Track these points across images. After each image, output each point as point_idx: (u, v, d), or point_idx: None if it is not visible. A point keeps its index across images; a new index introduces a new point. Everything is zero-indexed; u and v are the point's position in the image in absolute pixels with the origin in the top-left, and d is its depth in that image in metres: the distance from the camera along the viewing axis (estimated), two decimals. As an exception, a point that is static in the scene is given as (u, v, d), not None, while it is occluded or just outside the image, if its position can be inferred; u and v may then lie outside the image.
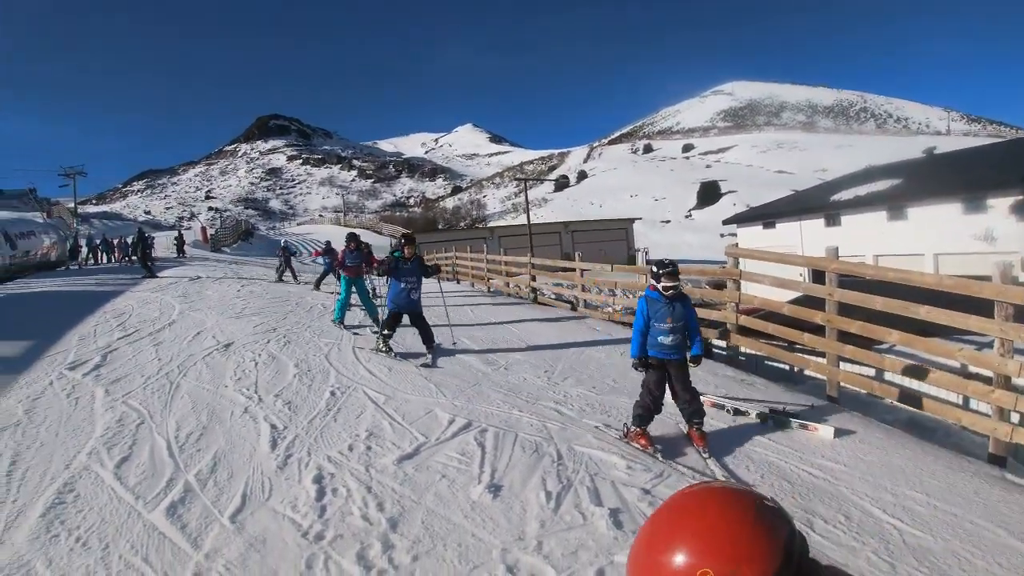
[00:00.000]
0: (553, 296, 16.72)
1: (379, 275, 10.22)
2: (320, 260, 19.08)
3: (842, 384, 7.47)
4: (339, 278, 12.46)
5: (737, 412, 6.30)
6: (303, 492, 4.50)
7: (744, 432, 5.81)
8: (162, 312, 12.55)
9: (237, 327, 10.81)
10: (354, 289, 11.95)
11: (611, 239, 53.06)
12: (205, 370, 7.96)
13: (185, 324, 11.16)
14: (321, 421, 6.03)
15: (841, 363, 7.43)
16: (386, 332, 9.09)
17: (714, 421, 6.10)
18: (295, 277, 20.48)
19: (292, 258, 21.31)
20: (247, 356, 8.66)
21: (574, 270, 14.67)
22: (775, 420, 5.99)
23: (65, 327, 10.80)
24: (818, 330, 7.58)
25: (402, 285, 8.87)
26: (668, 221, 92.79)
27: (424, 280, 9.28)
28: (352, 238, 12.43)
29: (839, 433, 5.71)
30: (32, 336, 9.96)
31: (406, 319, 9.07)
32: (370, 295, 12.35)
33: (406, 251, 9.03)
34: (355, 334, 10.36)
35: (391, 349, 9.01)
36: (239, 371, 7.90)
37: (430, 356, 8.76)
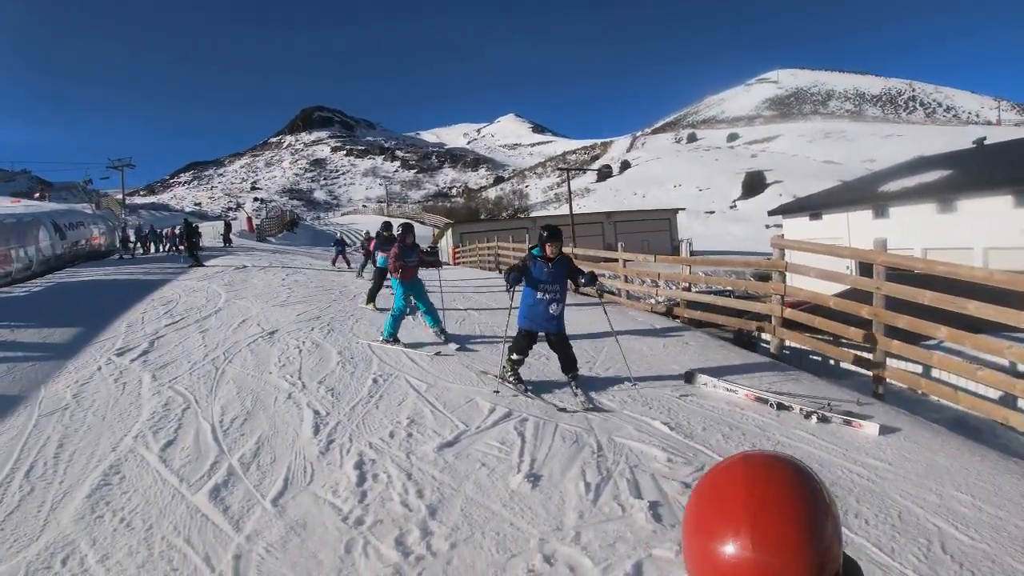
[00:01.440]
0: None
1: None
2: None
3: (888, 380, 7.31)
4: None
5: (781, 407, 6.17)
6: (344, 477, 4.56)
7: (788, 427, 5.70)
8: (208, 300, 12.80)
9: (281, 315, 10.95)
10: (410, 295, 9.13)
11: (654, 230, 52.51)
12: (250, 357, 8.11)
13: (231, 312, 11.37)
14: (363, 408, 6.10)
15: (887, 359, 7.27)
16: (515, 357, 6.78)
17: (757, 415, 6.02)
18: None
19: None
20: (291, 343, 8.77)
21: (616, 260, 14.56)
22: (819, 416, 5.87)
23: (113, 314, 11.10)
24: (864, 324, 7.43)
25: (538, 295, 6.59)
26: (712, 212, 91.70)
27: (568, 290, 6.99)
28: (408, 230, 9.41)
29: (884, 430, 5.56)
30: (81, 323, 10.25)
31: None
32: (427, 294, 9.45)
33: (548, 249, 6.61)
34: (437, 354, 8.31)
35: (521, 379, 6.75)
36: (283, 358, 8.02)
37: (579, 392, 6.48)
